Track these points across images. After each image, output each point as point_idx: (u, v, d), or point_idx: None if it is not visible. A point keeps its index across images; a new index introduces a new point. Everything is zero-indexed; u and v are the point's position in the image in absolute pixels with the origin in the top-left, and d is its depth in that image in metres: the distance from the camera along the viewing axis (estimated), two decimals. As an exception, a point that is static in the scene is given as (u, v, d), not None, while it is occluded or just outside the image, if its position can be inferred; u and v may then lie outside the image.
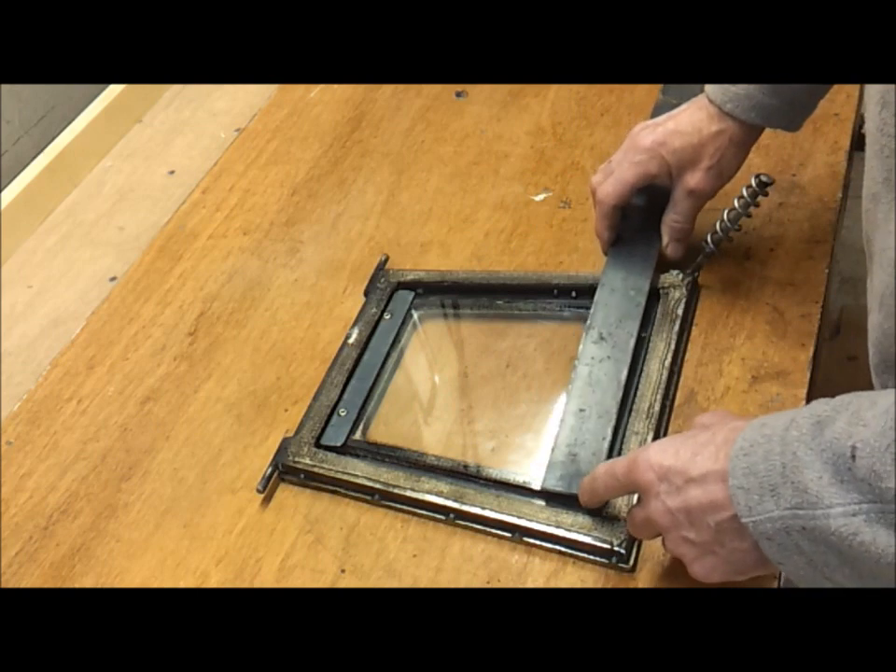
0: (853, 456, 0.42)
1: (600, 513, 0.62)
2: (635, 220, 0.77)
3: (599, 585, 0.61)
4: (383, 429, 0.73)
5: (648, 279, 0.74)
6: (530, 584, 0.62)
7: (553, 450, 0.65)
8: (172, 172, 1.06)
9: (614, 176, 0.73)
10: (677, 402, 0.68)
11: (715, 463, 0.49)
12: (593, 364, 0.69)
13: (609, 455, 0.65)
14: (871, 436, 0.42)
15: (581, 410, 0.67)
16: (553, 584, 0.61)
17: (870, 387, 0.53)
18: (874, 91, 0.48)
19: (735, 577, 0.52)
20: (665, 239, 0.74)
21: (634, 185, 0.72)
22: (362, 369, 0.76)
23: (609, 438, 0.65)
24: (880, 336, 0.51)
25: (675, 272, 0.74)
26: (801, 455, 0.45)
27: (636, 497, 0.60)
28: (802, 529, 0.45)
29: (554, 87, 0.99)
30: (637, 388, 0.68)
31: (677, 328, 0.71)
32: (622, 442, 0.66)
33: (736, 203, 0.69)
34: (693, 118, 0.70)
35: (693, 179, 0.71)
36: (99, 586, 0.68)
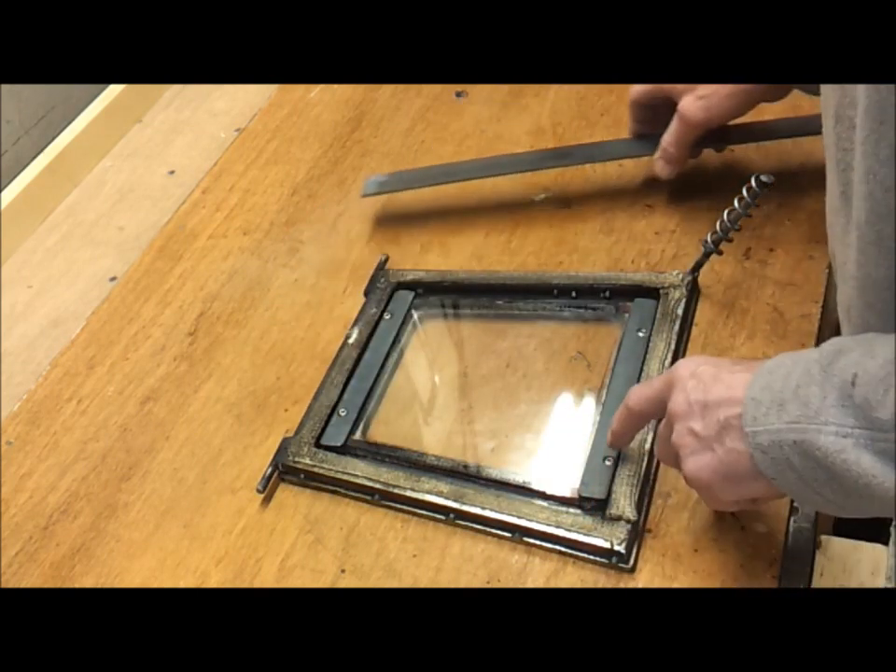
0: (853, 383, 0.44)
1: (602, 513, 0.62)
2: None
3: (599, 585, 0.61)
4: (383, 429, 0.73)
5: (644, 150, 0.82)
6: (530, 584, 0.62)
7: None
8: (172, 172, 1.06)
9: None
10: (677, 402, 0.68)
11: (745, 372, 0.51)
12: None
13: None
14: (874, 366, 0.43)
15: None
16: (552, 584, 0.61)
17: None
18: (828, 105, 0.49)
19: (722, 483, 0.52)
20: (657, 154, 0.80)
21: (646, 91, 0.79)
22: (362, 369, 0.76)
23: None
24: None
25: (675, 272, 0.74)
26: (814, 374, 0.46)
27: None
28: (793, 443, 0.46)
29: (554, 87, 0.98)
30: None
31: (677, 328, 0.71)
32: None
33: (736, 203, 0.69)
34: None
35: (685, 103, 0.76)
36: (99, 586, 0.68)
